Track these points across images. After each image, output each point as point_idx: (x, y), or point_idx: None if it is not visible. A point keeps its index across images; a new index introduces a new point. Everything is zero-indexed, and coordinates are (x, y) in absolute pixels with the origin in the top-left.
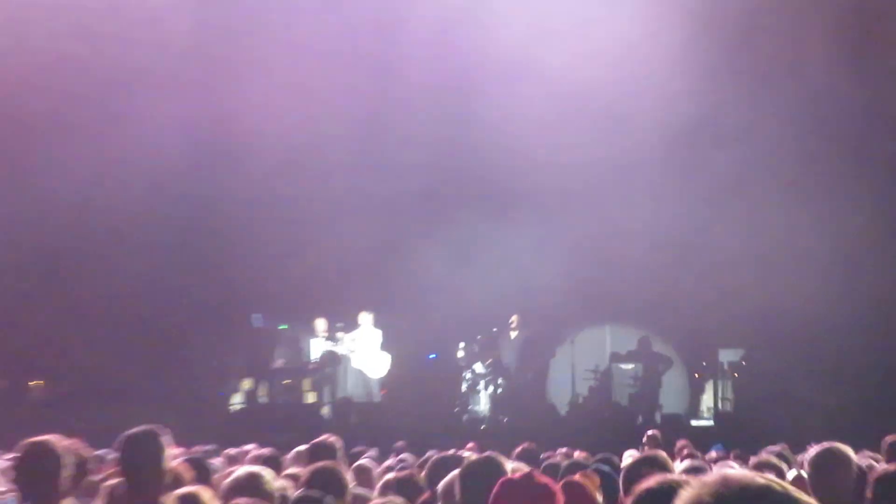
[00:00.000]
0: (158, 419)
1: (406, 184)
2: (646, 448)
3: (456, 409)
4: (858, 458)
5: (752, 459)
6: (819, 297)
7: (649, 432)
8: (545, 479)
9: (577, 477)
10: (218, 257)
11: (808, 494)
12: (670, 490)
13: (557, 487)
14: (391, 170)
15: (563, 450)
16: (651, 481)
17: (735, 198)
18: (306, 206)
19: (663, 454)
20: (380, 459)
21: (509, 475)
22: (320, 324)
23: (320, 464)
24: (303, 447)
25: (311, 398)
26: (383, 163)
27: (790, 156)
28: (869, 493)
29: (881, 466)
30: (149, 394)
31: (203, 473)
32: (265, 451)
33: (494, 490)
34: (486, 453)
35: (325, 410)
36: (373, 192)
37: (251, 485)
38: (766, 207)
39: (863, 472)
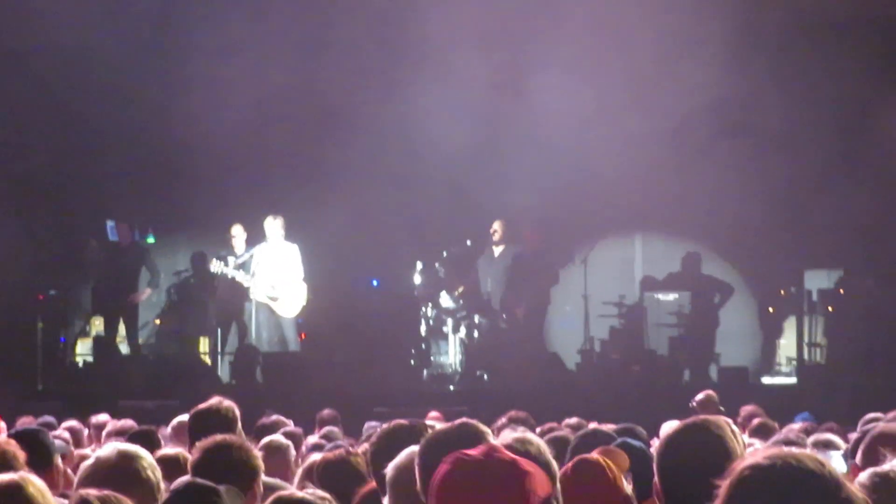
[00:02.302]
0: None
1: (340, 28)
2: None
3: (412, 362)
4: None
5: (873, 431)
6: None
7: (700, 395)
8: (511, 456)
9: (595, 455)
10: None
11: None
12: (792, 471)
13: (532, 465)
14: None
15: (573, 420)
16: (760, 456)
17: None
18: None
19: (723, 419)
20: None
21: (462, 451)
22: (238, 233)
23: (216, 439)
24: (184, 417)
25: (201, 345)
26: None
27: None
28: None
29: None
30: None
31: (40, 454)
32: (125, 422)
33: (440, 474)
34: (461, 420)
35: (212, 363)
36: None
37: (123, 471)
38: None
39: None
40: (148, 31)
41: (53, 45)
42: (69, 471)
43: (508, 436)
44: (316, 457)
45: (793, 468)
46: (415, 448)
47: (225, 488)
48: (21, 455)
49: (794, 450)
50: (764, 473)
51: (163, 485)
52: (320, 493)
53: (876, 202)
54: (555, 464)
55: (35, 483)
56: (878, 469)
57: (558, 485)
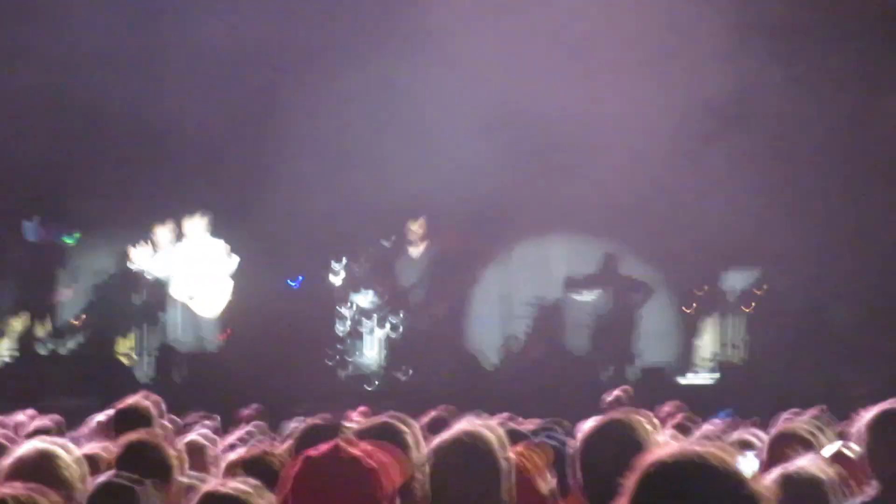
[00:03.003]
0: None
1: (260, 26)
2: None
3: (331, 362)
4: None
5: (774, 430)
6: (876, 199)
7: (615, 392)
8: (358, 452)
9: (518, 450)
10: None
11: (860, 476)
12: (694, 467)
13: (380, 460)
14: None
15: (504, 415)
16: (665, 452)
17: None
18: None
19: (639, 417)
20: (220, 433)
21: (309, 451)
22: (162, 234)
23: (134, 436)
24: (102, 416)
25: (122, 345)
26: None
27: None
28: None
29: None
30: None
31: None
32: (48, 420)
33: (290, 474)
34: (385, 416)
35: (135, 362)
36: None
37: (41, 468)
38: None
39: None
40: (78, 32)
41: None
42: None
43: (468, 423)
44: (234, 455)
45: (695, 465)
46: None
47: (148, 482)
48: None
49: (699, 446)
50: (668, 469)
51: (84, 482)
52: (251, 481)
53: (794, 202)
54: (509, 459)
55: None
56: (786, 467)
57: (513, 477)
